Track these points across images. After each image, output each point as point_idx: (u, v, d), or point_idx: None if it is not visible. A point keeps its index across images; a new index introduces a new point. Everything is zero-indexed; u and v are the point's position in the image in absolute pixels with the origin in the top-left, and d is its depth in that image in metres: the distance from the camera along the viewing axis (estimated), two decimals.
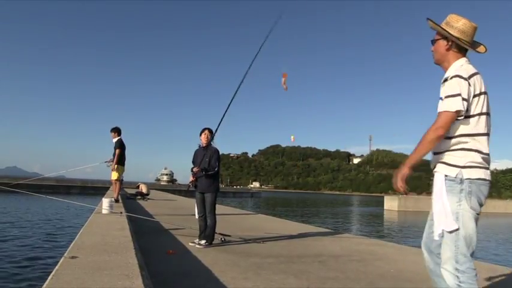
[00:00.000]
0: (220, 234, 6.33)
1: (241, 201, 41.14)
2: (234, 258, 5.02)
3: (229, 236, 6.51)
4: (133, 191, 19.38)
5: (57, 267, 3.12)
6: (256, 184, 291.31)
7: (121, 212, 7.70)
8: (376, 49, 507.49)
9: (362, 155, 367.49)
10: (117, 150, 10.54)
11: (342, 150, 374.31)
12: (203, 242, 5.79)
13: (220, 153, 6.28)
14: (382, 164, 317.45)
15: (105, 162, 10.95)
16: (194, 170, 5.93)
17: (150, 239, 6.24)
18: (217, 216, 6.03)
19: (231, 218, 10.76)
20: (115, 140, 10.71)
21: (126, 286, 2.66)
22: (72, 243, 4.34)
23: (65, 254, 3.62)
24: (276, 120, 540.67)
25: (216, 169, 5.97)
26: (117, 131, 10.79)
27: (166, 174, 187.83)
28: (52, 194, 11.88)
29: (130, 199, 16.60)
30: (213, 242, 5.91)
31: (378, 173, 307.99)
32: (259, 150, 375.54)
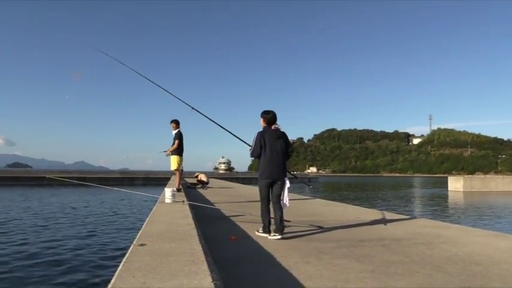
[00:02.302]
0: (287, 221, 6.20)
1: (298, 186, 41.07)
2: (295, 243, 5.04)
3: (289, 221, 6.53)
4: (193, 180, 19.91)
5: (127, 254, 3.29)
6: (313, 169, 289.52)
7: (183, 201, 7.97)
8: (434, 23, 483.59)
9: (422, 135, 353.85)
10: (177, 141, 11.00)
11: (400, 131, 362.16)
12: (279, 236, 5.28)
13: None
14: (444, 144, 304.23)
15: (164, 151, 11.38)
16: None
17: (212, 226, 6.41)
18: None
19: (289, 204, 10.76)
20: (175, 131, 11.16)
21: (193, 271, 2.76)
22: (140, 231, 4.55)
23: (134, 242, 3.81)
24: (330, 103, 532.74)
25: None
26: (176, 122, 11.25)
27: (224, 163, 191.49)
28: (117, 185, 12.57)
29: (190, 188, 17.08)
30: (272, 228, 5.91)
31: (440, 152, 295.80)
32: (314, 134, 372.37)
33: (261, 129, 5.69)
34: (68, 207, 20.66)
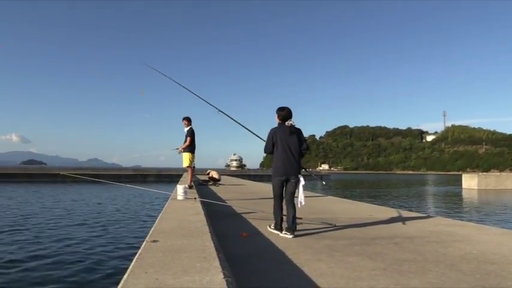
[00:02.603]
0: (299, 218, 6.14)
1: (311, 183, 40.95)
2: (307, 241, 5.04)
3: (300, 218, 6.51)
4: (205, 177, 19.99)
5: (140, 250, 3.33)
6: (325, 166, 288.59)
7: (195, 198, 8.01)
8: (448, 17, 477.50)
9: (436, 132, 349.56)
10: (189, 138, 11.05)
11: (413, 128, 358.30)
12: (290, 235, 5.22)
13: None
14: (459, 141, 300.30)
15: (176, 149, 11.43)
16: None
17: (223, 223, 6.44)
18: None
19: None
20: (187, 128, 11.22)
21: (205, 267, 2.78)
22: (152, 228, 4.59)
23: (147, 238, 3.85)
24: (342, 100, 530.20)
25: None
26: (188, 120, 11.30)
27: (236, 160, 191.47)
28: (130, 182, 12.67)
29: (202, 185, 17.16)
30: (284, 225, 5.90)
31: (454, 150, 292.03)
32: (326, 131, 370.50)
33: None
34: (82, 204, 20.91)
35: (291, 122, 5.52)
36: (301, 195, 5.40)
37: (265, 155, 5.95)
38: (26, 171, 50.50)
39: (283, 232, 5.31)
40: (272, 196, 5.61)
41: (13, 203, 20.59)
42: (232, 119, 7.44)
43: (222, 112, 7.56)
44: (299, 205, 5.39)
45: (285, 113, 5.55)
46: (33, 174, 48.12)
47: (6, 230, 12.42)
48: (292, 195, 5.43)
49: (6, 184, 38.08)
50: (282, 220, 5.51)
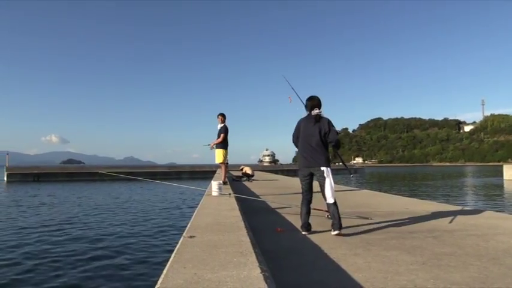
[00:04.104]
0: (326, 211, 5.89)
1: (344, 177, 40.52)
2: (342, 235, 4.99)
3: (326, 211, 6.45)
4: (238, 173, 20.12)
5: (178, 245, 3.40)
6: (359, 160, 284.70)
7: (229, 194, 8.08)
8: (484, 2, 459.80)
9: (474, 122, 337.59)
10: (222, 135, 11.14)
11: (450, 118, 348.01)
12: (335, 232, 4.90)
13: None
14: (499, 130, 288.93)
15: (208, 144, 11.54)
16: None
17: (258, 218, 6.47)
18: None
19: (334, 199, 10.65)
20: (221, 125, 11.31)
21: (242, 262, 2.80)
22: (189, 223, 4.67)
23: (184, 234, 3.92)
24: (375, 91, 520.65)
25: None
26: (223, 116, 11.38)
27: (268, 155, 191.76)
28: (165, 179, 12.92)
29: (236, 181, 17.29)
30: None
31: (494, 140, 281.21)
32: (359, 124, 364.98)
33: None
34: (120, 201, 21.50)
35: (317, 111, 5.17)
36: (327, 191, 4.96)
37: (296, 149, 5.56)
38: (66, 171, 52.43)
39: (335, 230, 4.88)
40: (318, 192, 5.21)
41: (70, 200, 21.42)
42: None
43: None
44: (330, 201, 4.96)
45: (310, 102, 5.26)
46: (73, 173, 49.80)
47: (75, 221, 12.96)
48: (323, 189, 5.03)
49: (47, 183, 39.60)
50: (307, 224, 5.10)
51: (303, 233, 5.06)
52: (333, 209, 4.94)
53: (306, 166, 5.11)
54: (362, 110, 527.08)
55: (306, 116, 5.31)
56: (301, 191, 5.34)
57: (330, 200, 4.96)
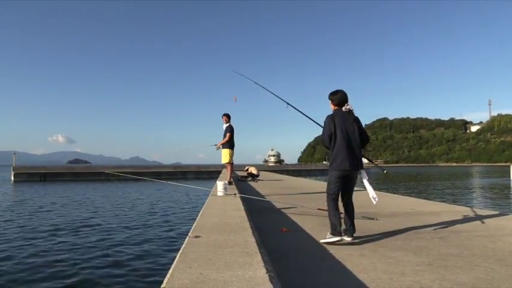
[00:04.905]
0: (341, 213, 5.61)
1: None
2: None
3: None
4: (244, 173, 20.12)
5: (183, 245, 3.41)
6: (365, 160, 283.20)
7: (235, 194, 8.08)
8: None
9: (481, 122, 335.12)
10: (228, 134, 11.17)
11: (456, 118, 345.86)
12: (348, 238, 4.47)
13: None
14: (506, 130, 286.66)
15: (214, 145, 11.57)
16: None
17: (264, 218, 6.46)
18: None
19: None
20: (226, 125, 11.34)
21: (247, 262, 2.81)
22: (195, 223, 4.68)
23: (189, 234, 3.93)
24: (381, 92, 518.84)
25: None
26: (228, 116, 11.42)
27: (274, 155, 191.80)
28: (171, 179, 13.02)
29: (241, 181, 17.29)
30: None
31: (501, 140, 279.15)
32: (365, 125, 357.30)
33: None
34: (126, 201, 21.58)
35: (349, 107, 4.68)
36: (371, 191, 4.77)
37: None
38: (72, 170, 52.67)
39: (347, 236, 4.49)
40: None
41: (80, 200, 21.55)
42: (301, 112, 6.57)
43: (290, 106, 6.71)
44: (374, 202, 4.77)
45: (339, 96, 4.70)
46: (79, 173, 50.02)
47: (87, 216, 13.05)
48: (352, 193, 4.75)
49: (53, 183, 39.83)
50: (341, 223, 4.57)
51: (348, 239, 4.45)
52: (353, 215, 4.70)
53: (348, 166, 4.50)
54: (368, 110, 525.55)
55: (338, 112, 4.68)
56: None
57: (376, 198, 4.81)
